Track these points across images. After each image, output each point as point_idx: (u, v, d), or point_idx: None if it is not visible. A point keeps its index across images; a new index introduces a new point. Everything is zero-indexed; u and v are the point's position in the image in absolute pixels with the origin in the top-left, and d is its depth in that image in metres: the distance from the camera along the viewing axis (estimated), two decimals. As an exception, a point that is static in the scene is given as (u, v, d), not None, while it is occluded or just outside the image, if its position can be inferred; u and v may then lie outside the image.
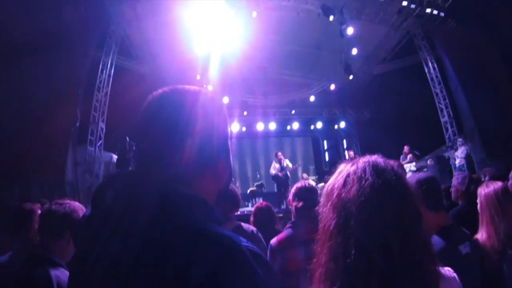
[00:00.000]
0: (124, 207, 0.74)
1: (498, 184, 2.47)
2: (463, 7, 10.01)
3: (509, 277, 2.21)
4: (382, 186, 0.90)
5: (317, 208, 1.01)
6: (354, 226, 0.87)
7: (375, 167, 0.95)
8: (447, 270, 1.04)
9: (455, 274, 1.05)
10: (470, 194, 3.52)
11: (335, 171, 1.04)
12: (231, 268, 0.65)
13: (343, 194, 0.93)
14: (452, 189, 3.80)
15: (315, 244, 0.99)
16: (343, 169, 1.00)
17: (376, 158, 1.00)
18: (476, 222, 2.54)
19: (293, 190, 2.81)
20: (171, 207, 0.72)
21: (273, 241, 2.62)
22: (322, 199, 1.01)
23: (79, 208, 2.02)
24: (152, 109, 0.87)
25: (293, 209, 2.73)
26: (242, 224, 2.85)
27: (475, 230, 2.43)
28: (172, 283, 0.64)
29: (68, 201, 2.06)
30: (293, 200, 2.74)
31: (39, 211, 2.30)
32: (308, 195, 2.69)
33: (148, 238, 0.68)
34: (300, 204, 2.66)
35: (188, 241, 0.67)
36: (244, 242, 0.70)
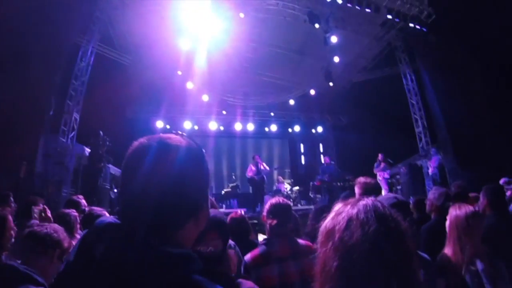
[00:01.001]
0: (113, 265, 0.77)
1: (469, 208, 2.60)
2: (445, 23, 10.32)
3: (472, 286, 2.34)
4: (385, 232, 0.95)
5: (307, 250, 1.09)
6: (359, 270, 0.91)
7: (376, 212, 0.99)
8: None
9: None
10: (444, 209, 3.63)
11: (331, 211, 1.08)
12: None
13: (346, 238, 0.96)
14: (427, 202, 3.93)
15: (301, 264, 1.09)
16: (343, 211, 1.03)
17: (374, 201, 1.04)
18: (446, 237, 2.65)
19: (267, 206, 2.81)
20: (156, 267, 0.76)
21: (247, 257, 2.61)
22: (320, 238, 1.04)
23: (59, 229, 2.16)
24: (136, 160, 0.88)
25: (267, 226, 2.74)
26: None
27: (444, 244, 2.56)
28: None
29: (47, 224, 2.25)
30: (267, 217, 2.74)
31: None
32: (282, 212, 2.72)
33: None
34: (274, 222, 2.67)
35: None
36: None
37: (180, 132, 0.97)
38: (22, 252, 2.02)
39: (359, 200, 1.05)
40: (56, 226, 2.19)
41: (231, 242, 2.83)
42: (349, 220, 0.98)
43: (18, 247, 2.18)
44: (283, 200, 2.85)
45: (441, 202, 3.68)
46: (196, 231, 0.94)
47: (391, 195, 2.47)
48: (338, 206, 1.07)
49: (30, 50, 7.97)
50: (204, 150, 0.97)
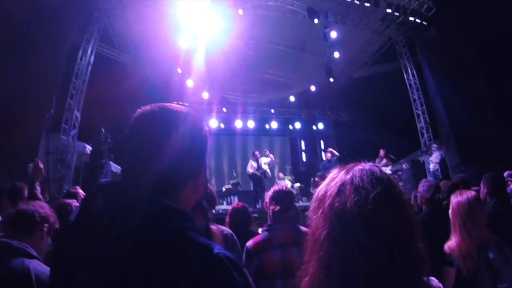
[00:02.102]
0: (114, 215, 0.81)
1: (471, 192, 2.60)
2: (445, 17, 10.26)
3: (483, 275, 2.33)
4: (382, 197, 0.88)
5: (307, 213, 1.00)
6: (353, 237, 0.84)
7: (372, 176, 0.92)
8: (434, 280, 1.02)
9: (440, 284, 1.03)
10: (434, 201, 3.67)
11: (327, 177, 1.02)
12: (212, 273, 0.76)
13: (336, 204, 0.90)
14: (418, 195, 3.96)
15: (303, 251, 0.98)
16: (337, 176, 0.97)
17: (371, 166, 0.97)
18: (438, 228, 2.66)
19: (270, 193, 2.83)
20: (157, 217, 0.81)
21: (249, 243, 2.61)
22: (312, 204, 1.00)
23: (45, 206, 2.21)
24: (141, 125, 0.94)
25: (270, 212, 2.75)
26: (218, 226, 2.80)
27: (436, 236, 2.51)
28: (163, 286, 0.74)
29: (32, 202, 2.26)
30: (270, 203, 2.76)
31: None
32: (285, 199, 2.73)
33: (138, 245, 0.77)
34: (277, 208, 2.68)
35: (174, 249, 0.77)
36: (221, 249, 0.80)
37: (181, 103, 1.01)
38: (13, 232, 2.03)
39: (354, 165, 0.99)
40: (41, 203, 2.23)
41: (228, 231, 2.83)
42: (342, 185, 0.92)
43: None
44: (286, 187, 2.88)
45: (430, 195, 3.69)
46: (194, 195, 0.97)
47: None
48: (332, 173, 1.01)
49: (30, 49, 7.99)
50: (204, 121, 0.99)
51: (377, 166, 0.99)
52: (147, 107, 0.96)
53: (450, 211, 2.59)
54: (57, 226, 2.18)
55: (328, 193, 0.94)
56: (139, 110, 0.96)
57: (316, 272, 0.89)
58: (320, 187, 1.00)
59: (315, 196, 1.00)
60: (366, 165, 0.97)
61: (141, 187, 0.85)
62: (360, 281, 0.82)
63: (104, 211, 0.82)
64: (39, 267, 1.85)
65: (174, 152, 0.89)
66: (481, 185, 3.66)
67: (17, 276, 1.77)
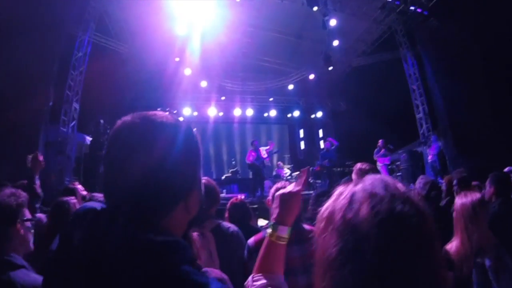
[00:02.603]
0: (93, 255, 0.72)
1: (476, 195, 2.58)
2: (446, 7, 10.15)
3: (476, 283, 2.32)
4: (399, 202, 0.80)
5: (307, 236, 0.96)
6: (370, 248, 0.75)
7: (385, 182, 0.85)
8: None
9: None
10: (430, 199, 3.66)
11: (332, 194, 0.92)
12: None
13: (348, 215, 0.80)
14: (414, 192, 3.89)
15: (304, 248, 0.93)
16: (344, 191, 0.89)
17: (381, 176, 0.89)
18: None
19: (272, 190, 2.77)
20: (141, 258, 0.70)
21: (251, 241, 2.61)
22: (319, 224, 0.89)
23: (24, 196, 1.97)
24: (119, 140, 0.82)
25: (272, 210, 2.71)
26: (223, 223, 2.78)
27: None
28: None
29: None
30: (273, 201, 2.71)
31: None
32: None
33: (124, 286, 0.68)
34: None
35: None
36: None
37: (168, 109, 0.91)
38: None
39: (363, 179, 0.90)
40: (6, 190, 1.95)
41: (234, 228, 2.82)
42: (353, 195, 0.84)
43: None
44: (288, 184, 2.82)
45: (425, 192, 3.70)
46: (186, 216, 0.87)
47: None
48: (338, 189, 0.91)
49: (27, 41, 7.90)
50: (195, 129, 0.90)
51: (387, 176, 0.91)
52: (128, 118, 0.84)
53: (454, 212, 2.58)
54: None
55: (338, 207, 0.84)
56: (119, 122, 0.84)
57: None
58: (327, 204, 0.91)
59: (320, 216, 0.90)
60: (378, 176, 0.89)
61: (120, 218, 0.75)
62: None
63: (83, 246, 0.74)
64: (26, 277, 1.69)
65: (157, 172, 0.78)
66: (487, 184, 3.63)
67: None
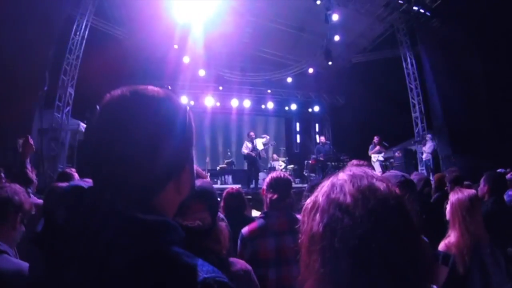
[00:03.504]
0: (78, 234, 0.68)
1: (471, 190, 2.66)
2: (449, 9, 10.13)
3: (475, 276, 2.38)
4: (378, 181, 0.84)
5: (297, 226, 0.92)
6: (358, 217, 0.77)
7: (364, 170, 0.88)
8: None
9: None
10: (423, 195, 3.71)
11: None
12: None
13: (332, 195, 0.83)
14: None
15: (286, 262, 0.93)
16: (326, 182, 0.89)
17: (363, 169, 0.90)
18: (425, 223, 2.65)
19: (267, 180, 2.77)
20: (129, 237, 0.66)
21: (245, 230, 2.60)
22: (303, 218, 0.89)
23: (20, 191, 1.99)
24: (107, 115, 0.78)
25: (267, 200, 2.70)
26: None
27: (423, 230, 2.54)
28: None
29: (7, 184, 2.04)
30: (267, 191, 2.70)
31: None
32: (282, 187, 2.68)
33: (108, 272, 0.64)
34: (275, 196, 2.64)
35: (150, 276, 0.64)
36: (210, 272, 0.68)
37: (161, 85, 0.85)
38: None
39: (346, 169, 0.91)
40: (16, 187, 2.00)
41: (219, 214, 2.84)
42: (334, 180, 0.86)
43: None
44: (284, 175, 2.80)
45: (419, 187, 3.74)
46: (177, 197, 0.83)
47: (399, 173, 2.45)
48: (321, 183, 0.92)
49: (23, 24, 7.74)
50: (188, 106, 0.85)
51: (368, 170, 0.91)
52: (117, 91, 0.79)
53: (448, 208, 2.62)
54: (32, 212, 2.01)
55: (321, 192, 0.86)
56: (108, 95, 0.79)
57: (322, 267, 0.79)
58: (310, 198, 0.90)
59: (305, 207, 0.90)
60: (356, 169, 0.89)
61: (107, 196, 0.71)
62: (375, 267, 0.75)
63: (67, 226, 0.70)
64: (7, 263, 1.68)
65: (147, 147, 0.74)
66: (481, 182, 3.67)
67: None
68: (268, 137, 12.55)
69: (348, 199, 0.80)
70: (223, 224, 1.62)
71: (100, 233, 0.66)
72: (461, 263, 2.39)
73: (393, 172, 2.70)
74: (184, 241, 0.74)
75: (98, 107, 0.79)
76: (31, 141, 3.55)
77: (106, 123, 0.77)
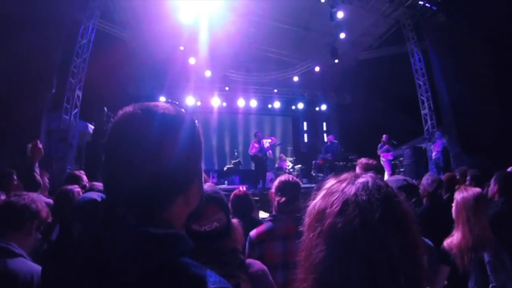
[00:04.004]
0: (92, 245, 0.73)
1: (477, 189, 2.60)
2: (455, 2, 10.00)
3: (474, 276, 2.37)
4: (389, 218, 0.81)
5: (300, 227, 0.91)
6: (355, 263, 0.77)
7: (379, 193, 0.83)
8: None
9: None
10: (435, 196, 3.68)
11: (322, 188, 0.93)
12: None
13: (339, 225, 0.80)
14: (420, 187, 3.95)
15: (294, 266, 0.90)
16: (336, 190, 0.87)
17: (374, 179, 0.88)
18: (436, 224, 2.66)
19: (276, 183, 2.79)
20: (140, 250, 0.70)
21: (253, 233, 2.60)
22: (307, 220, 0.90)
23: (38, 199, 2.06)
24: (119, 131, 0.82)
25: (275, 203, 2.72)
26: None
27: (434, 229, 2.51)
28: None
29: (25, 192, 2.11)
30: (276, 194, 2.72)
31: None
32: (291, 190, 2.69)
33: (116, 280, 0.68)
34: (283, 199, 2.65)
35: (160, 283, 0.69)
36: (217, 283, 0.71)
37: (170, 101, 0.90)
38: None
39: (356, 176, 0.89)
40: (34, 195, 2.09)
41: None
42: (344, 203, 0.82)
43: None
44: (292, 178, 2.82)
45: (433, 189, 3.74)
46: (186, 209, 0.87)
47: (401, 177, 2.44)
48: (330, 183, 0.91)
49: (30, 27, 7.83)
50: (196, 120, 0.89)
51: (381, 179, 0.89)
52: (129, 108, 0.84)
53: (454, 207, 2.59)
54: (49, 220, 2.07)
55: (328, 210, 0.84)
56: (120, 112, 0.84)
57: (321, 264, 0.81)
58: (316, 199, 0.90)
59: (310, 209, 0.90)
60: (369, 178, 0.88)
61: (120, 210, 0.76)
62: None
63: (82, 238, 0.75)
64: (23, 265, 1.77)
65: (157, 164, 0.77)
66: (492, 182, 3.62)
67: None
68: (275, 139, 12.49)
69: (350, 240, 0.79)
70: (235, 221, 1.68)
71: (112, 246, 0.71)
72: (461, 264, 2.37)
73: (395, 177, 2.66)
74: (192, 250, 0.78)
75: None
76: (40, 146, 3.63)
77: (118, 139, 0.81)
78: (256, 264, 1.67)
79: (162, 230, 0.74)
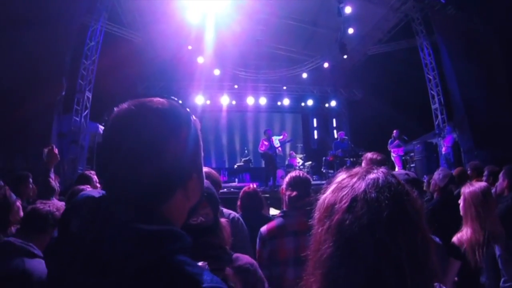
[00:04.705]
0: (89, 242, 0.72)
1: (483, 183, 2.61)
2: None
3: (487, 270, 2.36)
4: (399, 216, 0.80)
5: (310, 221, 0.92)
6: (362, 261, 0.77)
7: (390, 190, 0.82)
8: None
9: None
10: (446, 191, 3.65)
11: (332, 181, 0.93)
12: None
13: (347, 222, 0.80)
14: (432, 182, 3.93)
15: (305, 262, 0.91)
16: (346, 185, 0.86)
17: (386, 175, 0.87)
18: (447, 219, 2.68)
19: (287, 179, 2.79)
20: (134, 248, 0.69)
21: (263, 229, 2.62)
22: (317, 213, 0.90)
23: (62, 207, 2.19)
24: (116, 128, 0.81)
25: (286, 198, 2.72)
26: (224, 210, 2.77)
27: (445, 225, 2.54)
28: None
29: (51, 201, 2.28)
30: (287, 189, 2.72)
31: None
32: (302, 185, 2.69)
33: (109, 278, 0.68)
34: (294, 193, 2.65)
35: (151, 281, 0.67)
36: (211, 282, 0.69)
37: (166, 96, 0.88)
38: (23, 228, 2.11)
39: (367, 172, 0.88)
40: (58, 204, 2.23)
41: (234, 214, 2.82)
42: (353, 199, 0.82)
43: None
44: (303, 174, 2.83)
45: (444, 184, 3.72)
46: (186, 204, 0.86)
47: (402, 171, 2.43)
48: (341, 177, 0.91)
49: (39, 32, 7.94)
50: (193, 116, 0.88)
51: (393, 175, 0.88)
52: (124, 105, 0.83)
53: (461, 202, 2.57)
54: None
55: (337, 206, 0.84)
56: (116, 109, 0.84)
57: (330, 260, 0.81)
58: (327, 193, 0.90)
59: (320, 203, 0.90)
60: (381, 174, 0.87)
61: (117, 206, 0.75)
62: None
63: (81, 235, 0.74)
64: (40, 266, 1.85)
65: (153, 158, 0.76)
66: (500, 177, 3.59)
67: (14, 276, 1.79)
68: (286, 134, 12.48)
69: (359, 237, 0.78)
70: (224, 221, 1.64)
71: (104, 243, 0.70)
72: (472, 259, 2.35)
73: (396, 172, 2.66)
74: (190, 248, 0.77)
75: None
76: (56, 151, 3.65)
77: (113, 136, 0.81)
78: (245, 258, 1.66)
79: (156, 227, 0.73)
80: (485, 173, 4.59)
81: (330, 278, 0.80)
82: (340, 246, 0.80)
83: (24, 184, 3.97)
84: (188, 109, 0.87)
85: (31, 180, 4.08)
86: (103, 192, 0.84)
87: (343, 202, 0.83)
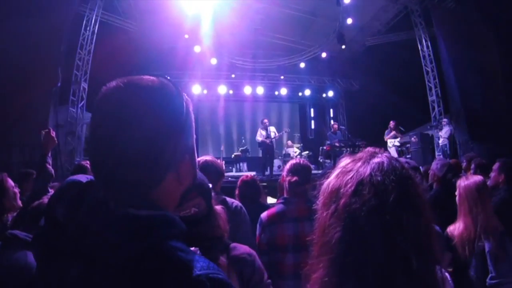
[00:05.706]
0: (75, 230, 0.70)
1: (478, 177, 2.59)
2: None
3: (475, 266, 2.39)
4: (404, 200, 0.80)
5: (314, 206, 0.91)
6: (369, 245, 0.77)
7: (394, 174, 0.83)
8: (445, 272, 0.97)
9: (447, 274, 1.00)
10: (445, 181, 3.67)
11: (336, 166, 0.92)
12: None
13: (353, 206, 0.80)
14: (430, 172, 3.95)
15: (305, 248, 0.92)
16: (351, 169, 0.86)
17: (391, 159, 0.87)
18: (448, 208, 2.66)
19: (287, 166, 2.80)
20: (121, 234, 0.67)
21: (264, 215, 2.64)
22: (321, 198, 0.89)
23: None
24: (103, 107, 0.75)
25: (286, 184, 2.72)
26: (227, 198, 2.75)
27: (445, 216, 2.55)
28: None
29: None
30: (287, 175, 2.73)
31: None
32: (302, 172, 2.71)
33: (105, 270, 0.66)
34: (294, 178, 2.66)
35: (144, 274, 0.65)
36: (204, 269, 0.67)
37: (156, 74, 0.83)
38: (28, 222, 2.08)
39: (371, 156, 0.88)
40: None
41: (237, 203, 2.81)
42: (359, 183, 0.82)
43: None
44: (303, 161, 2.86)
45: (442, 173, 3.70)
46: (178, 187, 0.80)
47: (403, 159, 2.43)
48: (345, 161, 0.90)
49: (33, 22, 7.82)
50: (185, 95, 0.82)
51: (396, 160, 0.89)
52: (112, 83, 0.77)
53: (457, 196, 2.59)
54: None
55: (342, 190, 0.83)
56: (104, 88, 0.78)
57: (327, 274, 0.81)
58: (331, 178, 0.89)
59: (324, 188, 0.89)
60: (385, 158, 0.87)
61: (104, 192, 0.72)
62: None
63: (66, 222, 0.72)
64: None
65: (142, 139, 0.71)
66: (495, 170, 3.60)
67: (17, 269, 1.80)
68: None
69: (365, 221, 0.78)
70: (219, 208, 1.59)
71: (93, 231, 0.68)
72: (462, 253, 2.39)
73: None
74: (184, 233, 0.74)
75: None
76: (53, 134, 3.56)
77: (101, 116, 0.75)
78: (242, 248, 1.62)
79: (147, 212, 0.69)
80: (472, 166, 4.61)
81: (339, 262, 0.79)
82: (349, 229, 0.79)
83: (28, 181, 3.95)
84: (179, 88, 0.81)
85: (35, 176, 4.06)
86: (91, 177, 0.79)
87: (348, 185, 0.83)
